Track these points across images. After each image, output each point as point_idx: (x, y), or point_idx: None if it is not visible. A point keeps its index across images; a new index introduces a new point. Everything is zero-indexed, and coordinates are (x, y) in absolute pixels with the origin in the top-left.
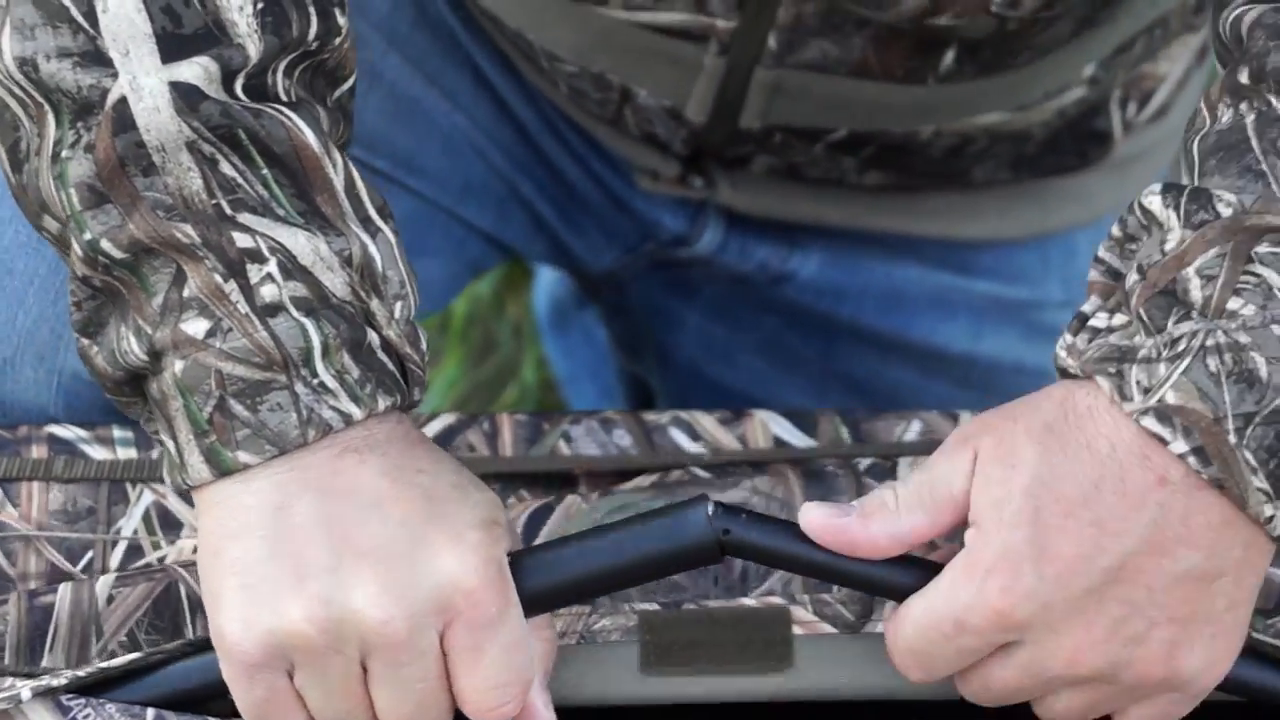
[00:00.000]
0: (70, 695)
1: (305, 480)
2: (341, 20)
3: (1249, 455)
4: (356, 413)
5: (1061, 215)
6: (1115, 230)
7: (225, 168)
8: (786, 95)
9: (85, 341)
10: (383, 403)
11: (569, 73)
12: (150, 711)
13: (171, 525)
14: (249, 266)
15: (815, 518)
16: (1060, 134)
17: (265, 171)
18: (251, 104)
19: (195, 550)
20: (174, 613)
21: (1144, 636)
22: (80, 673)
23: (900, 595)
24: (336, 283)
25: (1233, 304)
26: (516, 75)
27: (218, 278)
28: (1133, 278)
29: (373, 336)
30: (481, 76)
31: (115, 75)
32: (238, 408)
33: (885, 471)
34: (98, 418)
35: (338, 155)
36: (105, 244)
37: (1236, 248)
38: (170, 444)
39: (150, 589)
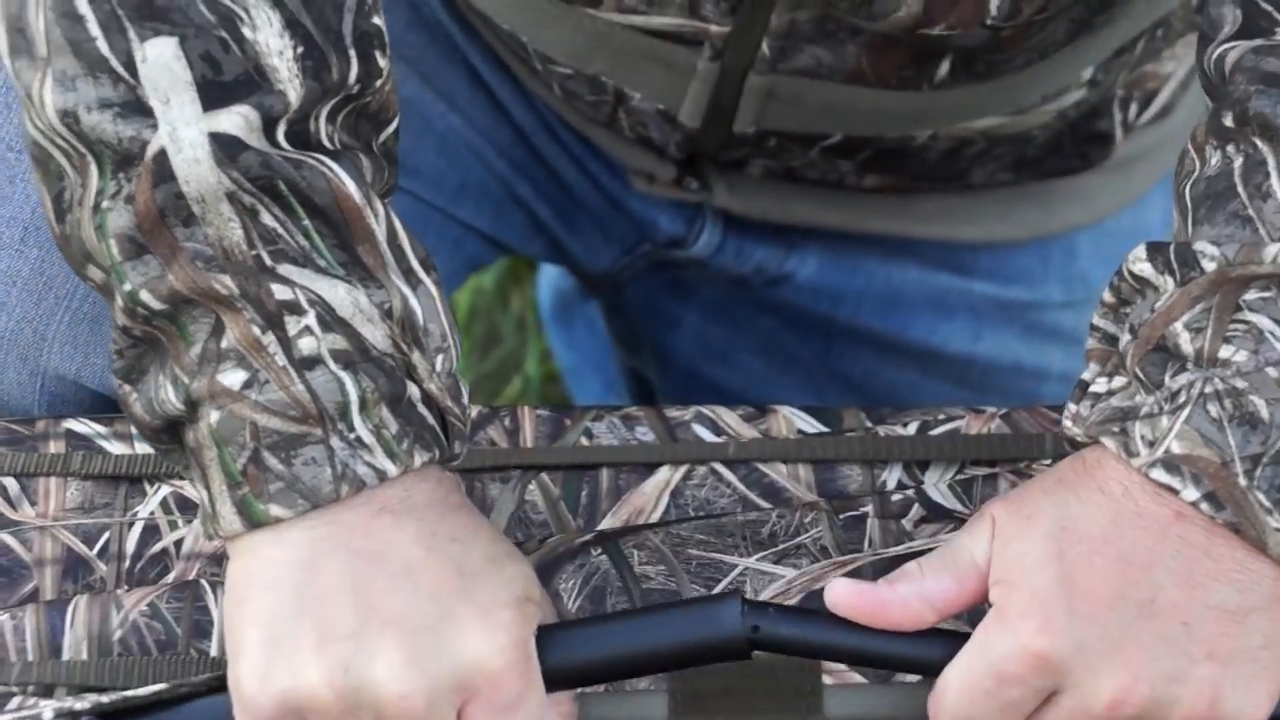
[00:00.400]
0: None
1: (337, 539)
2: (382, 62)
3: (1261, 496)
4: (391, 469)
5: (1062, 216)
6: (1108, 296)
7: (266, 218)
8: (780, 101)
9: (126, 388)
10: (419, 459)
11: (563, 75)
12: None
13: (188, 507)
14: (287, 319)
15: (841, 590)
16: (1061, 136)
17: (306, 222)
18: (293, 154)
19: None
20: (195, 584)
21: (1185, 674)
22: (104, 699)
23: (936, 670)
24: (377, 335)
25: (1224, 352)
26: (512, 76)
27: (256, 329)
28: (1125, 338)
29: (413, 390)
30: (477, 77)
31: (155, 126)
32: (272, 460)
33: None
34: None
35: (380, 206)
36: (144, 295)
37: (1223, 299)
38: (204, 493)
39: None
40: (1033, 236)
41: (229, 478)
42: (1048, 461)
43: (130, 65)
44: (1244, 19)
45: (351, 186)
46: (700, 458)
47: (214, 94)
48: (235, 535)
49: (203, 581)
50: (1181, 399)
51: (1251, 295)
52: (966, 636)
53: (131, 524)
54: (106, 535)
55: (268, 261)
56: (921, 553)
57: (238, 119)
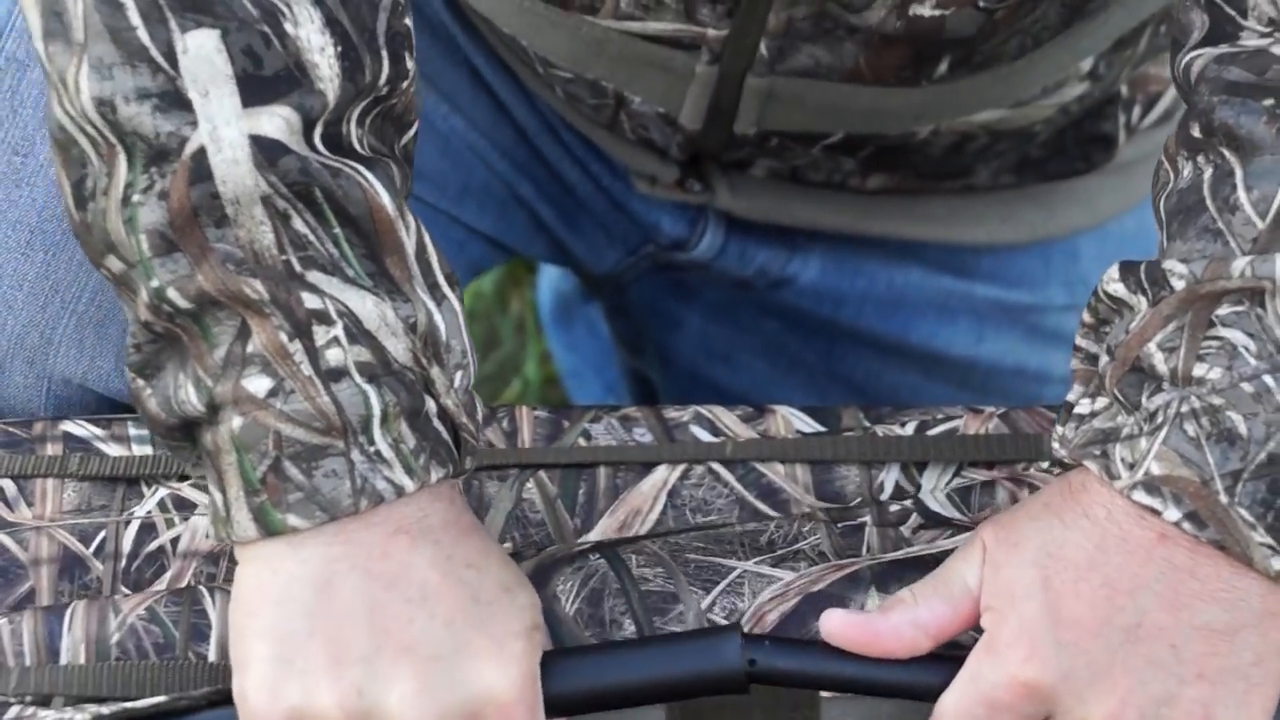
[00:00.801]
0: None
1: (354, 559)
2: (410, 64)
3: (1244, 512)
4: (409, 485)
5: (1065, 219)
6: (1087, 316)
7: (297, 224)
8: (780, 101)
9: (140, 383)
10: (435, 474)
11: (564, 78)
12: None
13: (185, 506)
14: (315, 328)
15: (835, 619)
16: (1065, 135)
17: (337, 230)
18: (331, 160)
19: (207, 531)
20: (192, 590)
21: (1175, 697)
22: (105, 711)
23: (931, 695)
24: (399, 348)
25: (1199, 370)
26: (514, 77)
27: (283, 336)
28: (1104, 360)
29: (430, 405)
30: (479, 78)
31: (195, 123)
32: (293, 470)
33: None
34: None
35: (411, 219)
36: (171, 293)
37: (1195, 317)
38: (218, 496)
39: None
40: (1035, 239)
41: (247, 484)
42: (1045, 465)
43: (170, 56)
44: (1210, 24)
45: (386, 198)
46: (697, 457)
47: (254, 89)
48: (249, 542)
49: (200, 587)
50: (1159, 419)
51: (1224, 310)
52: (962, 661)
53: (128, 522)
54: (103, 534)
55: (297, 268)
56: (920, 557)
57: (279, 121)
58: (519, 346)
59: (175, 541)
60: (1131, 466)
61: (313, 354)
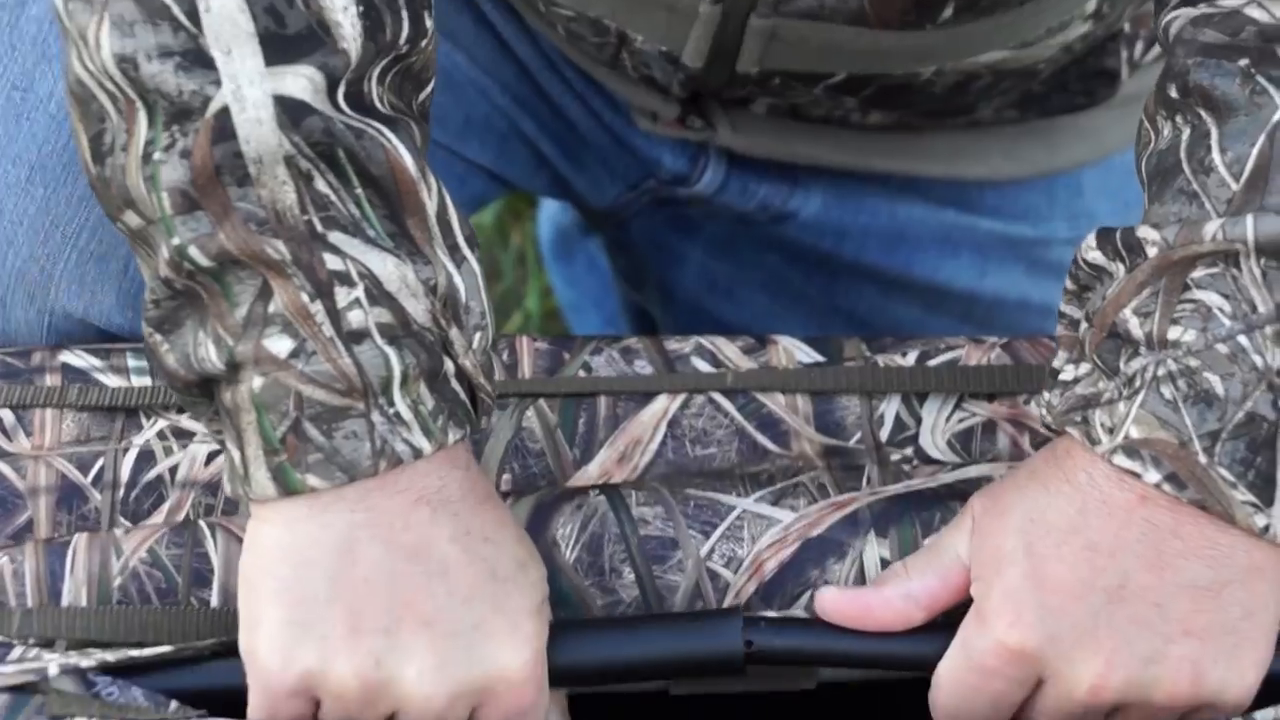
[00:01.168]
0: (97, 673)
1: (376, 527)
2: (429, 23)
3: (1224, 471)
4: (427, 447)
5: (1069, 153)
6: (1069, 283)
7: (320, 184)
8: (783, 42)
9: (158, 338)
10: (453, 435)
11: (566, 16)
12: (173, 701)
13: (184, 435)
14: (337, 289)
15: (830, 597)
16: (1067, 71)
17: (359, 191)
18: (355, 120)
19: (213, 463)
20: (194, 526)
21: (1162, 654)
22: (110, 657)
23: (930, 665)
24: (419, 310)
25: (1173, 333)
26: (517, 15)
27: (305, 297)
28: (1084, 326)
29: (448, 365)
30: (482, 17)
31: (218, 82)
32: (313, 431)
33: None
34: None
35: (433, 180)
36: (193, 251)
37: (1170, 281)
38: (236, 453)
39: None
40: (1038, 173)
41: (267, 443)
42: (1045, 401)
43: (193, 14)
44: None
45: (408, 159)
46: (698, 387)
47: (277, 48)
48: (267, 500)
49: (201, 524)
50: (1136, 383)
51: (1199, 273)
52: (955, 629)
53: (126, 450)
54: (101, 462)
55: (319, 228)
56: (919, 492)
57: (304, 81)
58: (520, 280)
59: (174, 470)
60: (1111, 431)
61: (334, 315)
